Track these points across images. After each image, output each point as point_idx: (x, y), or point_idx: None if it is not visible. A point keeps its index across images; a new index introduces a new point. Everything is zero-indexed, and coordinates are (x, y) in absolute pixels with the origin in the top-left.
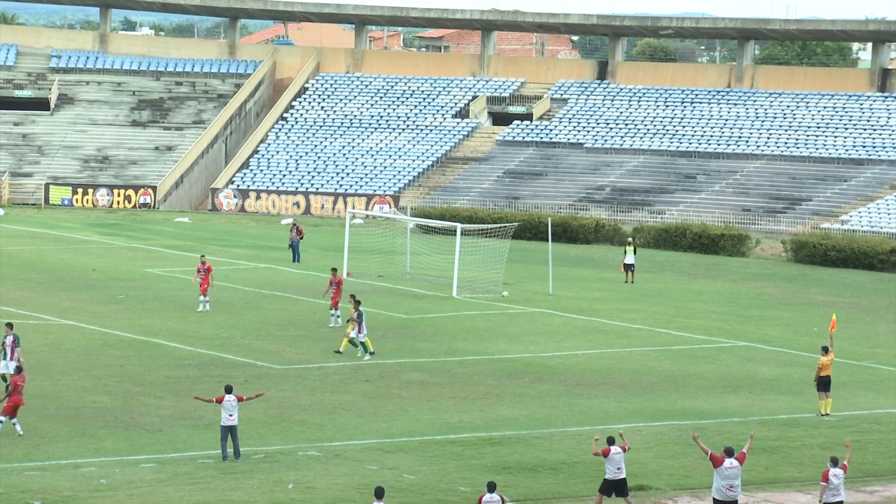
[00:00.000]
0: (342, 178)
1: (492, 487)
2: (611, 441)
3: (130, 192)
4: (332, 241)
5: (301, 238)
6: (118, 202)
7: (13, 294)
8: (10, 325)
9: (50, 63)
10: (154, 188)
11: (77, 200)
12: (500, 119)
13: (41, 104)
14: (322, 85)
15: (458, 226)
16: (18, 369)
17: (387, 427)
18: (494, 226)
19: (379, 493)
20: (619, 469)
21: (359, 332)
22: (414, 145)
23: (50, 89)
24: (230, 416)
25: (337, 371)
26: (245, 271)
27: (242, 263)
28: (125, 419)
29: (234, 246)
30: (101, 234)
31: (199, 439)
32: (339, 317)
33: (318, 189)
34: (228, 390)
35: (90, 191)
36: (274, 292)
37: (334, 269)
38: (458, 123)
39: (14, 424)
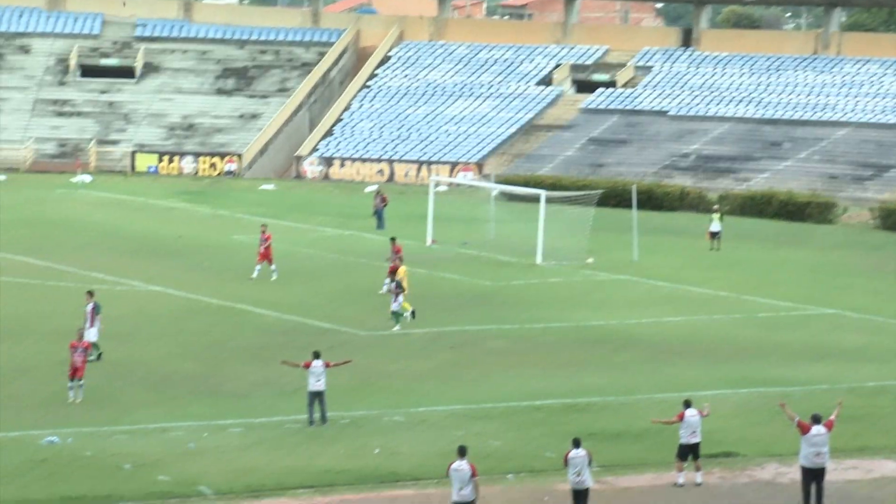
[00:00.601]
0: (426, 145)
1: (577, 443)
2: (687, 404)
3: (216, 159)
4: (416, 208)
5: (385, 205)
6: (203, 170)
7: (101, 261)
8: (90, 293)
9: (135, 32)
10: (239, 156)
11: (163, 168)
12: (583, 87)
13: (127, 72)
14: (405, 53)
15: (542, 193)
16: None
17: (471, 393)
18: (578, 193)
19: (462, 451)
20: (693, 433)
21: (394, 301)
22: (497, 113)
23: (135, 58)
24: (317, 381)
25: (421, 338)
26: (329, 238)
27: (327, 230)
28: (212, 385)
29: (319, 213)
30: (187, 202)
31: (284, 405)
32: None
33: (401, 157)
34: (316, 356)
35: (176, 158)
36: (358, 259)
37: (393, 239)
38: (541, 91)
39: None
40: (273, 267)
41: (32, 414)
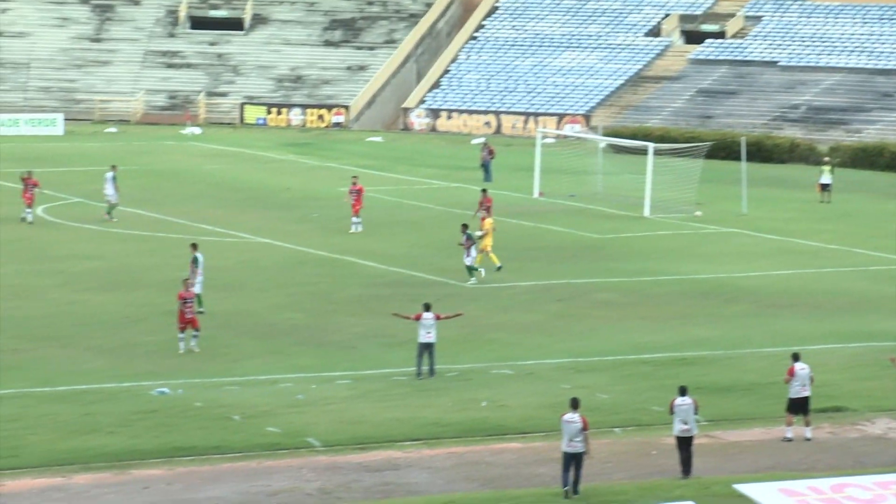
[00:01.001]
0: (533, 97)
1: (683, 391)
2: (795, 357)
3: (323, 111)
4: (523, 160)
5: (492, 158)
6: (311, 121)
7: (210, 212)
8: (194, 246)
9: None
10: (346, 107)
11: (271, 120)
12: (692, 37)
13: (235, 24)
14: (512, 4)
15: (650, 145)
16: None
17: (578, 346)
18: (687, 145)
19: (574, 403)
20: (803, 386)
21: (467, 255)
22: (605, 64)
23: (244, 9)
24: (427, 333)
25: (528, 290)
26: (436, 190)
27: (434, 182)
28: (319, 336)
29: (426, 165)
30: (295, 153)
31: (392, 357)
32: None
33: (508, 108)
34: (426, 308)
35: (284, 110)
36: (465, 211)
37: (484, 190)
38: (649, 42)
39: (188, 339)
40: (357, 219)
41: (143, 364)
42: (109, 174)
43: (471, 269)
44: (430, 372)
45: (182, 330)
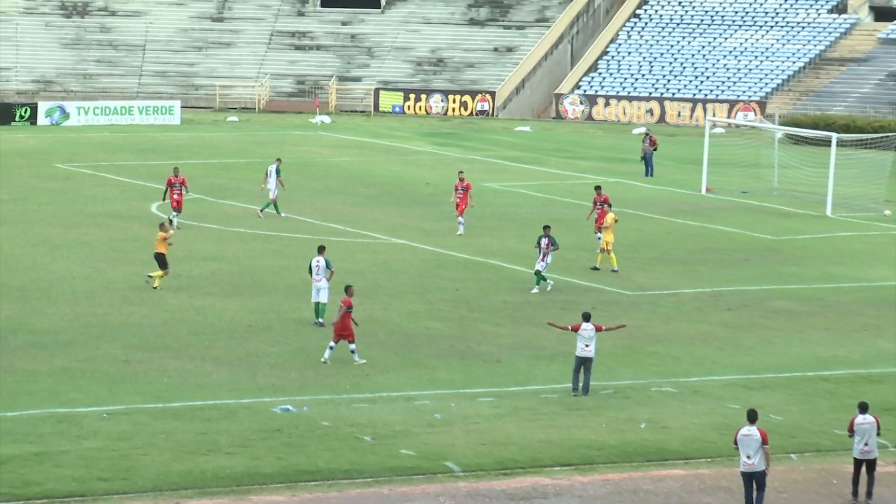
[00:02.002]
0: (701, 82)
1: (864, 408)
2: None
3: (466, 97)
4: (690, 152)
5: (655, 149)
6: (453, 109)
7: (341, 209)
8: (321, 249)
9: None
10: (492, 94)
11: (408, 107)
12: (883, 14)
13: (371, 2)
14: None
15: (833, 136)
16: (346, 289)
17: (750, 361)
18: (875, 136)
19: (751, 416)
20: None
21: (541, 260)
22: (783, 44)
23: None
24: (586, 346)
25: (694, 298)
26: (592, 186)
27: (589, 177)
28: (461, 348)
29: (580, 158)
30: (435, 145)
31: (541, 371)
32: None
33: (673, 95)
34: (586, 318)
35: (423, 96)
36: (624, 209)
37: (598, 188)
38: (834, 19)
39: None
40: (461, 220)
41: (266, 377)
42: (273, 167)
43: (539, 276)
44: (583, 389)
45: (336, 340)
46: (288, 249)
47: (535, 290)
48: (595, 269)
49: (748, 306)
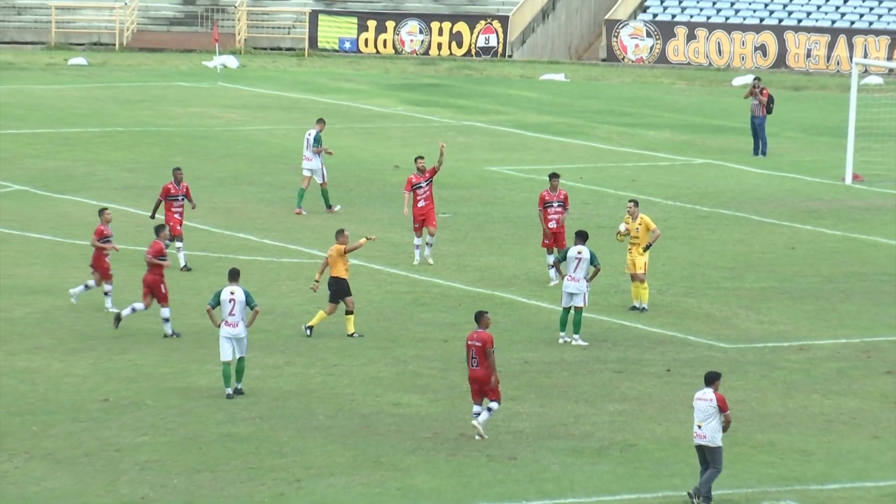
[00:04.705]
0: (845, 1)
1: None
2: None
3: (461, 26)
4: (826, 116)
5: (769, 112)
6: (439, 45)
7: (255, 210)
8: (234, 275)
9: None
10: (503, 20)
11: (366, 42)
12: None
13: None
14: None
15: None
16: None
17: None
18: None
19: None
20: None
21: (570, 281)
22: None
23: None
24: (699, 427)
25: (834, 353)
26: (667, 171)
27: (663, 157)
28: (451, 437)
29: (648, 125)
30: (409, 104)
31: (582, 475)
32: None
33: (800, 22)
34: (708, 380)
35: (390, 25)
36: (718, 209)
37: (554, 176)
38: None
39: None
40: (420, 241)
41: (132, 486)
42: (312, 132)
43: (576, 316)
44: (699, 492)
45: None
46: (169, 276)
47: (563, 338)
48: (636, 308)
49: None
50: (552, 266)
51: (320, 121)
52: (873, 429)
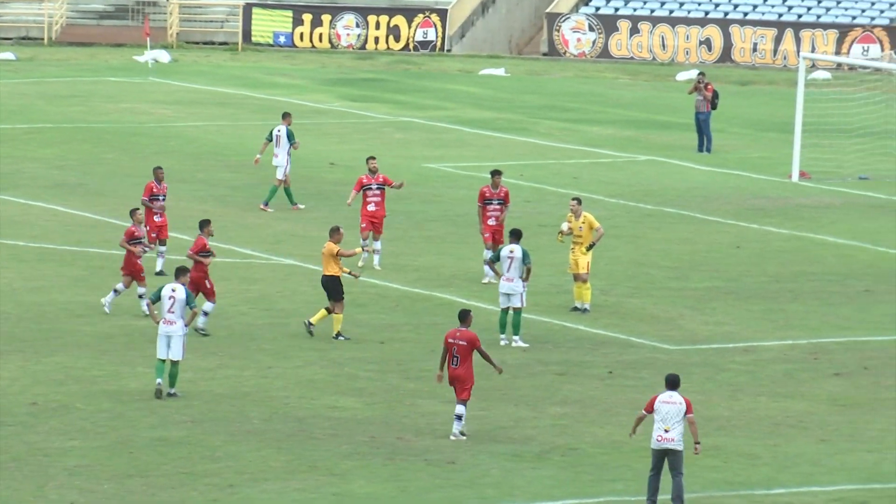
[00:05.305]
0: None
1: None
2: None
3: (399, 19)
4: (772, 112)
5: (713, 107)
6: (377, 39)
7: (188, 209)
8: (181, 272)
9: None
10: (442, 13)
11: (301, 36)
12: None
13: None
14: None
15: None
16: None
17: (874, 462)
18: None
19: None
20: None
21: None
22: None
23: None
24: (666, 431)
25: (781, 355)
26: (610, 168)
27: (605, 154)
28: (389, 441)
29: (591, 120)
30: (346, 99)
31: (523, 480)
32: None
33: (746, 15)
34: (672, 383)
35: (325, 18)
36: (662, 207)
37: (496, 173)
38: None
39: None
40: (366, 244)
41: (61, 491)
42: (281, 128)
43: (517, 317)
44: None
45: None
46: (99, 276)
47: (504, 340)
48: (578, 309)
49: (871, 370)
50: (486, 263)
51: (286, 115)
52: (821, 432)
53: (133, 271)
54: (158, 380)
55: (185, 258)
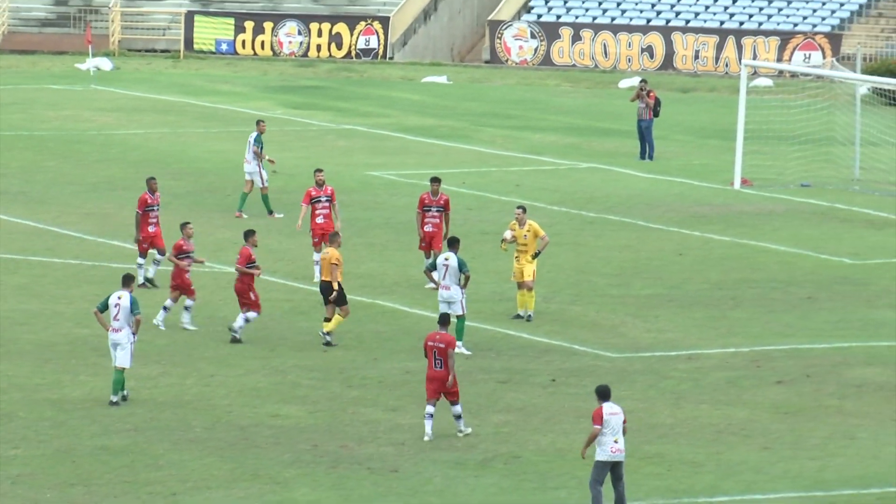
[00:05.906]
0: (734, 1)
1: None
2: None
3: (341, 27)
4: (714, 119)
5: (655, 115)
6: (318, 46)
7: (130, 216)
8: (127, 280)
9: None
10: (384, 21)
11: (244, 44)
12: None
13: None
14: None
15: None
16: None
17: (816, 469)
18: None
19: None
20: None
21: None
22: None
23: None
24: (615, 442)
25: (723, 363)
26: (552, 175)
27: (545, 160)
28: (331, 449)
29: (533, 127)
30: (288, 107)
31: (465, 488)
32: None
33: (687, 22)
34: (604, 395)
35: (267, 26)
36: (604, 215)
37: (435, 180)
38: None
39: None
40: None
41: (5, 501)
42: (252, 136)
43: (460, 324)
44: None
45: None
46: (41, 284)
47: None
48: (520, 317)
49: (813, 377)
50: (424, 272)
51: (259, 122)
52: (763, 440)
53: (182, 285)
54: (113, 396)
55: (132, 268)
